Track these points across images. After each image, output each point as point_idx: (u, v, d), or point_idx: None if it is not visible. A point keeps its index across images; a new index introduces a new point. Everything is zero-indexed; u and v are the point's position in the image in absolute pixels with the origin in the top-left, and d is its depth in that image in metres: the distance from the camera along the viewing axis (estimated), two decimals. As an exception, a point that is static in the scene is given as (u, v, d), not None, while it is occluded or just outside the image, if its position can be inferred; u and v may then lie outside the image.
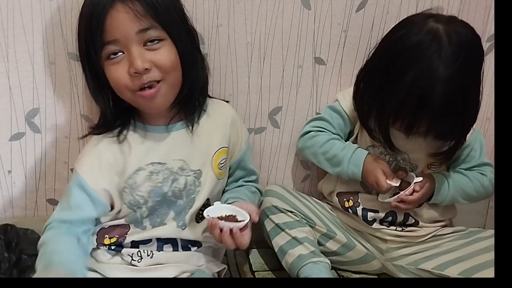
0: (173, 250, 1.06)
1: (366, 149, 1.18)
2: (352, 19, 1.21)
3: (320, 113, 1.27)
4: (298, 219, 1.19)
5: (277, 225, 1.19)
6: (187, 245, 1.07)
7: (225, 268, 1.12)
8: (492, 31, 1.28)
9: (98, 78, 0.98)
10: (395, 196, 1.14)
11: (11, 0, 1.05)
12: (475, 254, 1.14)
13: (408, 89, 1.02)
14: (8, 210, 1.22)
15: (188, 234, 1.06)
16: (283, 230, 1.18)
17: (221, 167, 1.08)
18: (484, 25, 1.28)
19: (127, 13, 0.92)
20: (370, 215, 1.21)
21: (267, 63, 1.21)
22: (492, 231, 1.20)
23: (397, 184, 1.13)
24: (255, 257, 1.31)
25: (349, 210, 1.23)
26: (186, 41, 1.00)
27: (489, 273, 1.07)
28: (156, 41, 0.95)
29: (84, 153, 1.04)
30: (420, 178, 1.14)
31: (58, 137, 1.18)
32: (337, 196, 1.24)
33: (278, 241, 1.18)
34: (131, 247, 1.05)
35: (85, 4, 0.95)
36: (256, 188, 1.19)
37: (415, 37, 1.03)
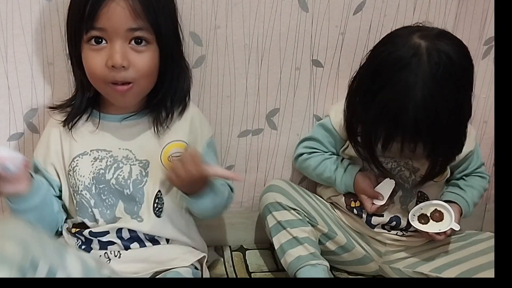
0: (141, 247, 1.04)
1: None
2: (349, 22, 1.21)
3: (317, 115, 1.27)
4: (301, 217, 1.18)
5: (279, 222, 1.18)
6: (153, 238, 1.05)
7: (204, 256, 1.09)
8: (490, 34, 1.28)
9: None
10: (427, 231, 1.12)
11: (10, 1, 1.06)
12: (472, 256, 1.14)
13: (382, 107, 1.02)
14: (7, 210, 1.22)
15: (149, 228, 1.03)
16: (284, 228, 1.17)
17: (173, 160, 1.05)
18: (481, 28, 1.28)
19: (124, 9, 0.93)
20: (375, 219, 1.20)
21: (265, 65, 1.22)
22: (489, 234, 1.21)
23: (383, 203, 1.14)
24: (251, 258, 1.31)
25: (354, 210, 1.21)
26: (173, 49, 1.01)
27: (486, 275, 1.07)
28: (142, 43, 0.96)
29: (40, 138, 1.08)
30: (458, 227, 1.12)
31: (56, 137, 1.19)
32: (344, 195, 1.23)
33: (279, 239, 1.17)
34: (99, 247, 1.03)
35: None
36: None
37: (395, 54, 1.02)
